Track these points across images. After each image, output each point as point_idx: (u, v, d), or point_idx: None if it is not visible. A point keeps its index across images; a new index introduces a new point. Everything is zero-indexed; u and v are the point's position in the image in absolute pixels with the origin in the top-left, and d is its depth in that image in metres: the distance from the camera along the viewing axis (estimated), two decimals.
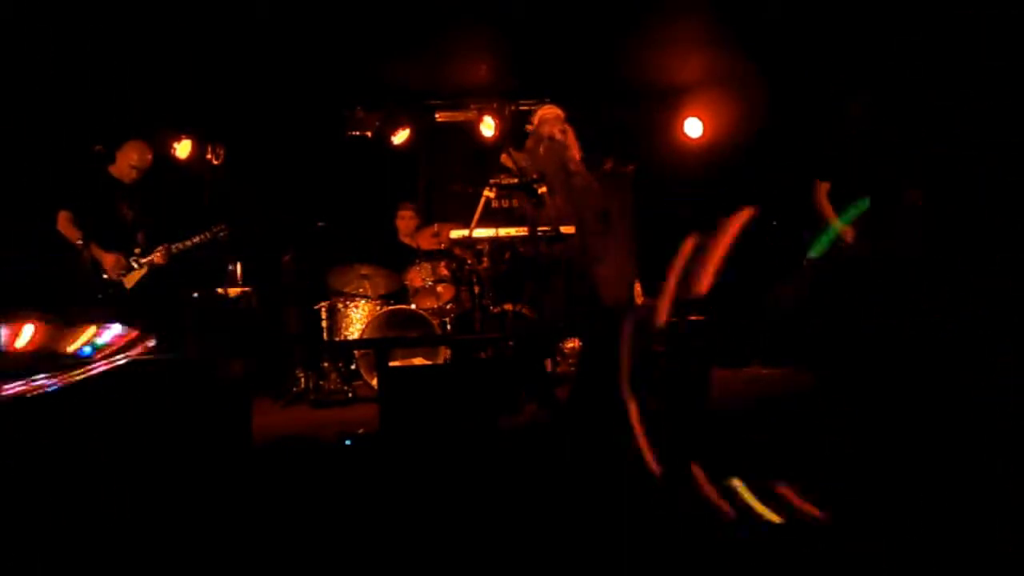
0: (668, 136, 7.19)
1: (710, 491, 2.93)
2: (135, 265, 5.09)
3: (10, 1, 5.02)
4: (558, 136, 5.26)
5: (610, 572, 2.48)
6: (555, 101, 5.67)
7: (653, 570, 2.47)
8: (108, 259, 4.99)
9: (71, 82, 5.73)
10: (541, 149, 5.29)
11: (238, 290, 6.29)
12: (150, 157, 5.31)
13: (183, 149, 6.75)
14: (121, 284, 5.07)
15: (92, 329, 1.87)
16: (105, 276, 4.99)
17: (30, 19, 5.14)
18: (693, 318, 4.70)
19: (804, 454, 3.43)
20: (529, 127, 5.56)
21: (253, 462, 3.45)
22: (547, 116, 5.37)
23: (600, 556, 2.55)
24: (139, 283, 5.14)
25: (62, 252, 4.93)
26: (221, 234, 5.43)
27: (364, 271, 6.14)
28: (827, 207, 5.08)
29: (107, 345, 1.86)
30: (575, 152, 5.34)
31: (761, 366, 6.68)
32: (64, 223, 4.87)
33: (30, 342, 1.82)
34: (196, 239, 5.36)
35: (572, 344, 6.03)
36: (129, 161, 5.19)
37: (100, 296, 4.96)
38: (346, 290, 6.14)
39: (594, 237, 5.22)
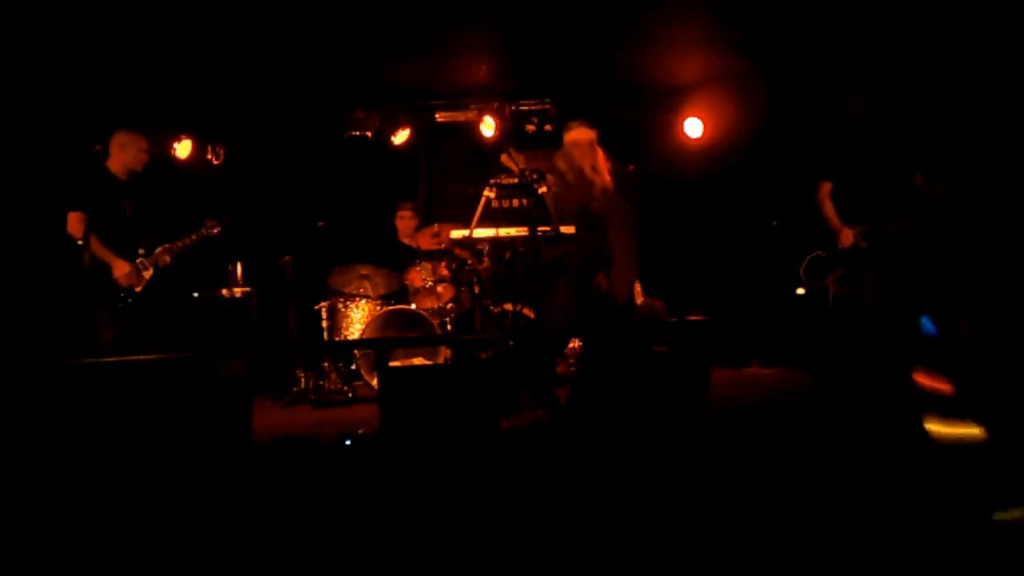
0: (668, 136, 7.19)
1: None
2: (143, 267, 5.04)
3: (10, 1, 5.01)
4: (588, 173, 4.79)
5: (610, 572, 2.48)
6: (583, 119, 4.96)
7: (653, 570, 2.47)
8: (121, 267, 4.92)
9: (71, 82, 5.73)
10: (570, 176, 4.81)
11: (238, 290, 6.30)
12: (146, 144, 5.23)
13: (183, 149, 6.75)
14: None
15: None
16: (116, 277, 4.96)
17: (30, 19, 5.13)
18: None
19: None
20: (554, 151, 4.98)
21: (253, 462, 3.44)
22: (580, 140, 4.87)
23: (600, 556, 2.55)
24: (148, 284, 5.11)
25: (62, 252, 4.90)
26: (214, 230, 5.33)
27: (364, 271, 6.14)
28: (829, 207, 5.08)
29: None
30: (606, 176, 4.85)
31: (761, 366, 6.71)
32: (74, 224, 4.81)
33: None
34: (192, 238, 5.25)
35: (572, 344, 6.03)
36: (139, 147, 5.08)
37: (113, 297, 4.91)
38: (346, 290, 6.14)
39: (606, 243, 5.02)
